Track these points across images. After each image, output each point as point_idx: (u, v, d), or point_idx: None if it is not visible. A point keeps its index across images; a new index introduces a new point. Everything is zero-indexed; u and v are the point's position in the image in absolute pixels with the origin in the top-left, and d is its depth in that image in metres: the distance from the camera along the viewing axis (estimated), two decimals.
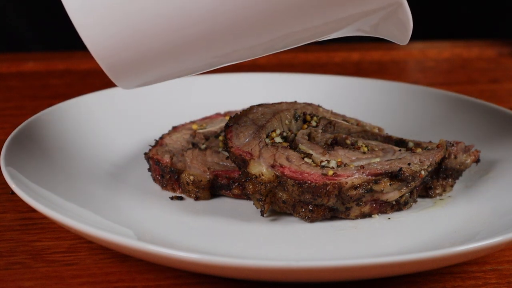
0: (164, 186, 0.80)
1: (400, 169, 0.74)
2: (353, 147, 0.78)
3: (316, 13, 0.64)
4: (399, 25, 0.67)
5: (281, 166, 0.74)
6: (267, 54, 0.70)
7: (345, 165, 0.74)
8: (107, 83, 1.12)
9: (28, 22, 1.42)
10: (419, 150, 0.78)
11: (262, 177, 0.74)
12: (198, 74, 1.01)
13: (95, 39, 0.65)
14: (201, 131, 0.85)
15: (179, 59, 0.66)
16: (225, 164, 0.79)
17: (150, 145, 0.84)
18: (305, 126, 0.80)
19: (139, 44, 0.65)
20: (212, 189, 0.79)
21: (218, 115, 0.89)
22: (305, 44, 0.69)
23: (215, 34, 0.64)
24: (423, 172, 0.75)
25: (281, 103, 0.83)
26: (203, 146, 0.82)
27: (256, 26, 0.64)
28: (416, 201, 0.77)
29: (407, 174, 0.74)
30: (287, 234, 0.73)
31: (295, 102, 0.84)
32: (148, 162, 0.82)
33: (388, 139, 0.81)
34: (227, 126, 0.78)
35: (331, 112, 0.85)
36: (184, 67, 0.69)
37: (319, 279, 0.63)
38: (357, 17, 0.65)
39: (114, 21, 0.64)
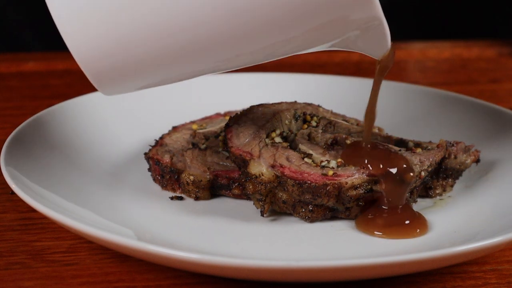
0: (164, 186, 0.80)
1: None
2: None
3: (294, 33, 0.65)
4: (377, 41, 0.68)
5: (281, 166, 0.74)
6: (248, 66, 0.71)
7: (345, 165, 0.74)
8: None
9: (28, 22, 1.42)
10: (419, 150, 0.78)
11: (262, 177, 0.74)
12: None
13: (80, 47, 0.66)
14: (201, 131, 0.85)
15: (162, 68, 0.67)
16: (225, 164, 0.79)
17: (150, 145, 0.84)
18: (305, 126, 0.80)
19: (123, 53, 0.66)
20: (212, 189, 0.79)
21: (218, 115, 0.89)
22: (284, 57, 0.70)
23: (197, 45, 0.65)
24: (423, 173, 0.75)
25: (281, 103, 0.83)
26: (203, 146, 0.82)
27: (237, 38, 0.65)
28: (416, 201, 0.77)
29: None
30: (287, 234, 0.73)
31: (295, 102, 0.84)
32: (148, 162, 0.82)
33: (388, 139, 0.81)
34: (227, 126, 0.78)
35: (331, 112, 0.85)
36: (167, 76, 0.69)
37: (319, 279, 0.63)
38: (336, 35, 0.67)
39: (99, 29, 0.65)
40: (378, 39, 0.68)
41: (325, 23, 0.64)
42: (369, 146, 0.76)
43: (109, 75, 0.67)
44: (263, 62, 0.71)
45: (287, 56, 0.70)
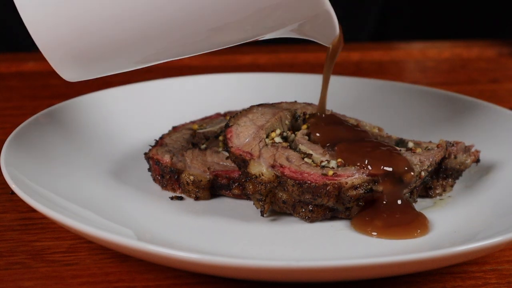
0: (164, 186, 0.80)
1: None
2: None
3: (245, 20, 0.67)
4: (326, 29, 0.71)
5: (281, 166, 0.74)
6: (201, 52, 0.72)
7: (345, 165, 0.74)
8: (107, 83, 1.12)
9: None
10: (419, 150, 0.78)
11: (262, 177, 0.74)
12: (194, 74, 1.01)
13: (41, 35, 0.68)
14: (201, 131, 0.85)
15: (123, 52, 0.69)
16: (225, 164, 0.79)
17: (150, 145, 0.84)
18: (305, 126, 0.80)
19: (83, 39, 0.68)
20: (212, 189, 0.79)
21: (218, 115, 0.89)
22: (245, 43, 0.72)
23: (150, 29, 0.67)
24: (423, 173, 0.75)
25: (281, 103, 0.83)
26: (203, 146, 0.82)
27: (188, 23, 0.67)
28: (416, 201, 0.77)
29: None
30: (287, 234, 0.73)
31: (295, 102, 0.84)
32: (148, 162, 0.82)
33: (388, 139, 0.81)
34: (227, 126, 0.78)
35: (331, 112, 0.85)
36: (128, 61, 0.71)
37: (319, 279, 0.63)
38: (286, 24, 0.69)
39: (59, 17, 0.67)
40: (327, 27, 0.70)
41: (271, 13, 0.66)
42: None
43: (71, 61, 0.69)
44: (222, 47, 0.72)
45: (242, 42, 0.72)
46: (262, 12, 0.66)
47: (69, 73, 0.72)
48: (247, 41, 0.71)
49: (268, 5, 0.65)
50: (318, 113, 0.82)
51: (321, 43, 0.75)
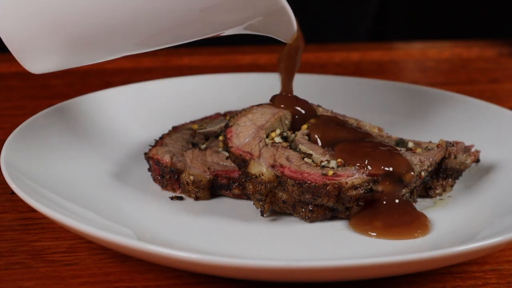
0: (164, 186, 0.80)
1: None
2: None
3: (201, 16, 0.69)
4: (284, 26, 0.72)
5: (281, 166, 0.74)
6: (161, 47, 0.74)
7: (345, 165, 0.74)
8: (107, 83, 1.12)
9: None
10: (419, 150, 0.78)
11: (262, 177, 0.74)
12: (194, 74, 1.01)
13: (7, 27, 0.68)
14: (201, 131, 0.85)
15: (89, 45, 0.69)
16: (225, 164, 0.79)
17: (150, 145, 0.84)
18: (305, 126, 0.80)
19: (51, 32, 0.69)
20: (212, 189, 0.79)
21: (218, 115, 0.89)
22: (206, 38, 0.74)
23: (115, 24, 0.69)
24: (423, 173, 0.75)
25: None
26: (203, 146, 0.82)
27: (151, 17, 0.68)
28: (416, 201, 0.77)
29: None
30: (287, 234, 0.73)
31: None
32: (148, 162, 0.82)
33: (388, 139, 0.81)
34: (227, 126, 0.78)
35: (331, 112, 0.85)
36: (94, 53, 0.72)
37: (319, 279, 0.63)
38: (244, 20, 0.71)
39: (27, 10, 0.67)
40: (284, 24, 0.71)
41: (229, 10, 0.68)
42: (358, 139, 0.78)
43: (36, 51, 0.70)
44: (182, 42, 0.73)
45: (203, 37, 0.73)
46: (217, 8, 0.67)
47: (33, 64, 0.72)
48: (206, 37, 0.73)
49: (225, 1, 0.67)
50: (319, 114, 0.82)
51: (280, 39, 0.76)
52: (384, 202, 0.73)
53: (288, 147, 0.77)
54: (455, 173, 0.80)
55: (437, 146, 0.79)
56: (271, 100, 0.82)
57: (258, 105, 0.82)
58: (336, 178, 0.72)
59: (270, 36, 0.75)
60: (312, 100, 0.86)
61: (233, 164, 0.78)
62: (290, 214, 0.75)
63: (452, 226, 0.73)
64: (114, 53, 0.73)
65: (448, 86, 1.15)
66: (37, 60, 0.71)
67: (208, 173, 0.79)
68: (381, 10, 1.50)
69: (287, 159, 0.74)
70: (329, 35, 1.43)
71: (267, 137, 0.77)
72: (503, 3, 1.52)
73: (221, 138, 0.82)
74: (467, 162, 0.80)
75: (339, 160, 0.75)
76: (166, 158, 0.80)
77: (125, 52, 0.74)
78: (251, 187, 0.74)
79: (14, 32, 0.69)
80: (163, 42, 0.73)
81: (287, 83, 0.82)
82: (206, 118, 0.88)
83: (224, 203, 0.78)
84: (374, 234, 0.71)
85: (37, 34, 0.68)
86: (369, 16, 1.47)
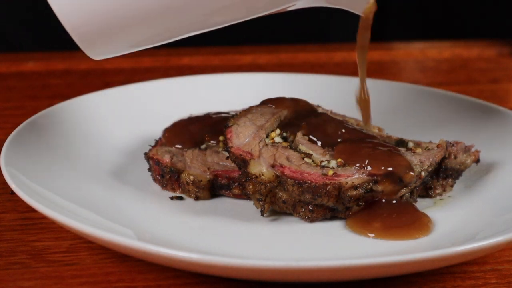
0: (164, 186, 0.80)
1: None
2: None
3: None
4: None
5: (281, 166, 0.74)
6: (236, 21, 0.71)
7: (345, 165, 0.74)
8: (107, 83, 1.12)
9: (28, 22, 1.42)
10: (419, 150, 0.78)
11: (262, 177, 0.74)
12: (194, 74, 1.01)
13: (65, 8, 0.66)
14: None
15: (149, 23, 0.68)
16: (225, 164, 0.79)
17: (150, 145, 0.84)
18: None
19: (108, 11, 0.66)
20: (212, 189, 0.79)
21: None
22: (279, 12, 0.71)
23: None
24: (423, 173, 0.75)
25: None
26: (203, 146, 0.82)
27: None
28: (416, 201, 0.77)
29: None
30: (287, 234, 0.73)
31: None
32: (148, 162, 0.82)
33: (388, 139, 0.81)
34: (227, 126, 0.78)
35: (331, 112, 0.85)
36: (153, 33, 0.70)
37: (319, 279, 0.63)
38: None
39: None
40: None
41: None
42: (367, 141, 0.77)
43: (97, 36, 0.68)
44: (246, 18, 0.71)
45: (270, 12, 0.70)
46: None
47: (95, 50, 0.70)
48: (279, 9, 0.70)
49: None
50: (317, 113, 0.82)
51: (354, 12, 0.74)
52: (383, 202, 0.73)
53: (288, 147, 0.77)
54: (455, 173, 0.80)
55: (437, 146, 0.79)
56: (262, 102, 0.82)
57: (258, 105, 0.82)
58: (336, 178, 0.72)
59: (342, 8, 0.73)
60: (312, 100, 0.86)
61: (233, 164, 0.78)
62: (290, 214, 0.75)
63: (452, 226, 0.73)
64: (181, 32, 0.70)
65: (448, 86, 1.15)
66: (99, 45, 0.69)
67: (208, 173, 0.79)
68: (382, 10, 1.50)
69: (287, 159, 0.74)
70: (330, 35, 1.43)
71: (267, 137, 0.77)
72: (503, 3, 1.52)
73: (221, 138, 0.82)
74: (467, 162, 0.80)
75: (339, 160, 0.75)
76: (166, 158, 0.80)
77: (191, 31, 0.71)
78: (251, 187, 0.74)
79: (71, 16, 0.67)
80: (234, 15, 0.69)
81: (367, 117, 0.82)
82: None
83: (224, 203, 0.78)
84: (373, 235, 0.71)
85: (93, 17, 0.67)
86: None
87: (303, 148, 0.77)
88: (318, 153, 0.76)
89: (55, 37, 1.38)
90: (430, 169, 0.76)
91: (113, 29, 0.68)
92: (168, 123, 0.88)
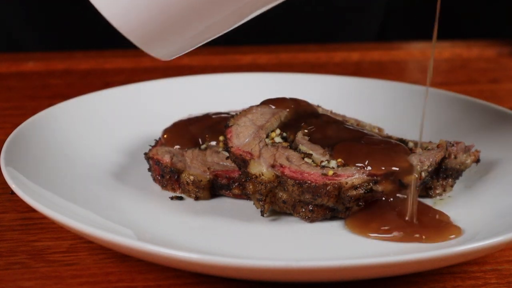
0: (164, 186, 0.80)
1: None
2: None
3: None
4: None
5: (281, 166, 0.74)
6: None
7: (345, 165, 0.74)
8: (107, 83, 1.12)
9: (28, 22, 1.42)
10: (419, 150, 0.78)
11: (262, 177, 0.74)
12: (194, 74, 1.01)
13: (117, 14, 0.66)
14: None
15: (206, 17, 0.66)
16: (225, 164, 0.79)
17: (150, 145, 0.84)
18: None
19: (162, 9, 0.66)
20: (212, 189, 0.79)
21: None
22: None
23: None
24: (423, 173, 0.75)
25: None
26: (203, 146, 0.82)
27: None
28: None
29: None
30: (287, 234, 0.73)
31: None
32: (148, 162, 0.82)
33: (388, 139, 0.81)
34: (227, 126, 0.78)
35: (331, 112, 0.85)
36: (213, 25, 0.68)
37: (319, 279, 0.63)
38: None
39: None
40: None
41: None
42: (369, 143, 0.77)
43: (155, 35, 0.67)
44: None
45: None
46: None
47: (158, 49, 0.70)
48: None
49: None
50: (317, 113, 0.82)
51: None
52: (383, 202, 0.73)
53: (288, 147, 0.77)
54: (455, 173, 0.80)
55: (437, 146, 0.79)
56: (262, 102, 0.81)
57: (258, 105, 0.82)
58: (336, 178, 0.72)
59: None
60: (312, 100, 0.86)
61: (233, 164, 0.78)
62: (290, 214, 0.75)
63: None
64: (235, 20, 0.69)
65: (448, 86, 1.15)
66: (159, 44, 0.68)
67: (208, 173, 0.79)
68: (383, 10, 1.50)
69: (287, 159, 0.74)
70: (332, 35, 1.43)
71: (267, 137, 0.77)
72: (503, 3, 1.52)
73: (221, 138, 0.82)
74: (467, 162, 0.80)
75: (339, 160, 0.75)
76: (166, 158, 0.80)
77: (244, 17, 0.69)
78: (251, 187, 0.74)
79: (125, 20, 0.66)
80: None
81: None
82: None
83: (224, 203, 0.78)
84: (373, 236, 0.71)
85: (145, 17, 0.66)
86: (375, 18, 1.47)
87: (303, 148, 0.77)
88: (318, 153, 0.76)
89: (55, 36, 1.38)
90: (430, 169, 0.76)
91: (168, 25, 0.67)
92: (168, 123, 0.88)
